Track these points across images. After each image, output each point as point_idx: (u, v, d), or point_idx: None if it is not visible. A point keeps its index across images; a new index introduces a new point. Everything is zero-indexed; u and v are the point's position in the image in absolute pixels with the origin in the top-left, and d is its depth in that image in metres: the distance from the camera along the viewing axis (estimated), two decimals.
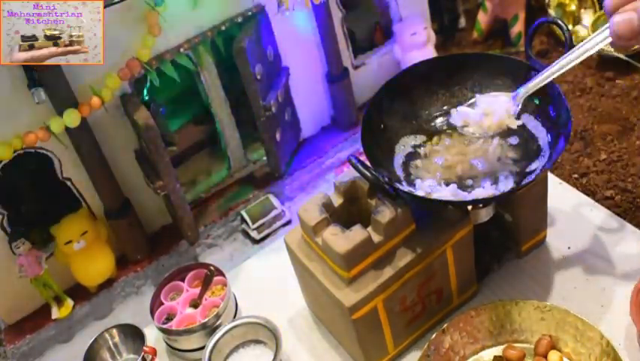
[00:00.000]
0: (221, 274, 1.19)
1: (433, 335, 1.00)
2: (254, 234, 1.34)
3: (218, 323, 1.13)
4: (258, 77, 1.29)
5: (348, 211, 1.03)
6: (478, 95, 1.03)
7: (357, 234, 0.95)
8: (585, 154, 1.35)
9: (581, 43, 0.89)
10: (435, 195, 0.99)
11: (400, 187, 0.98)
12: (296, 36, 1.38)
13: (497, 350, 1.04)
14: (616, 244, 1.14)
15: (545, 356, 1.00)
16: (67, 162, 1.21)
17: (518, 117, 1.06)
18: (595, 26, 1.54)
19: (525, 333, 1.04)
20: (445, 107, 1.11)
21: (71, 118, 1.11)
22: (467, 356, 1.03)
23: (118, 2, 1.09)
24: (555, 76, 0.94)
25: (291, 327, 1.16)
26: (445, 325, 1.01)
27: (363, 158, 0.99)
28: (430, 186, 1.01)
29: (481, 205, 1.02)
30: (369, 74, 1.52)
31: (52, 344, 1.26)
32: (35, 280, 1.23)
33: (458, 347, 1.02)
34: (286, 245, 1.07)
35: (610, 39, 0.83)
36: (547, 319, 1.02)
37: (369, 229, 0.97)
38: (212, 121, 1.37)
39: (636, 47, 1.42)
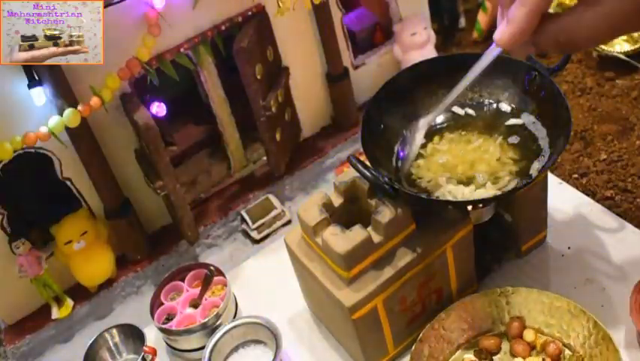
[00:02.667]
0: (221, 274, 1.19)
1: (413, 347, 1.01)
2: (254, 234, 1.34)
3: (218, 323, 1.13)
4: (258, 77, 1.29)
5: (348, 211, 1.03)
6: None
7: (357, 234, 0.95)
8: (585, 154, 1.35)
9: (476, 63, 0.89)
10: (435, 195, 0.99)
11: (400, 187, 0.98)
12: (296, 36, 1.38)
13: (474, 345, 1.05)
14: (616, 244, 1.14)
15: (521, 337, 1.03)
16: (67, 162, 1.21)
17: (519, 116, 1.06)
18: None
19: (496, 321, 1.05)
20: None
21: (71, 118, 1.11)
22: (447, 357, 1.04)
23: (118, 2, 1.09)
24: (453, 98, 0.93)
25: (291, 327, 1.16)
26: (420, 334, 1.02)
27: (363, 158, 0.99)
28: (430, 186, 1.01)
29: (481, 205, 1.02)
30: (369, 74, 1.52)
31: (52, 344, 1.26)
32: (35, 280, 1.23)
33: (437, 353, 1.03)
34: (286, 245, 1.07)
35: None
36: (512, 301, 1.04)
37: (369, 228, 0.97)
38: (212, 121, 1.37)
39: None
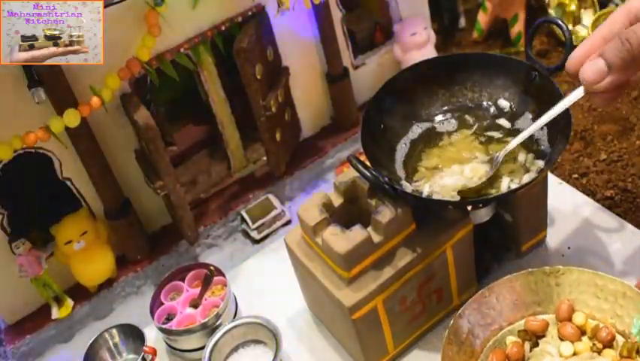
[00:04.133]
0: (221, 274, 1.19)
1: (451, 322, 0.97)
2: (254, 234, 1.34)
3: (218, 323, 1.13)
4: (258, 77, 1.29)
5: (348, 211, 1.03)
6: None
7: (357, 234, 0.95)
8: (585, 154, 1.35)
9: (559, 103, 0.90)
10: (435, 196, 0.99)
11: (401, 188, 0.98)
12: (296, 36, 1.38)
13: (518, 326, 1.01)
14: (616, 244, 1.14)
15: (570, 320, 0.98)
16: (67, 162, 1.21)
17: (518, 118, 1.06)
18: (595, 27, 1.54)
19: (542, 303, 1.01)
20: (445, 107, 1.11)
21: (71, 118, 1.11)
22: (488, 337, 1.00)
23: (118, 2, 1.09)
24: (531, 132, 0.95)
25: (291, 327, 1.16)
26: (460, 310, 0.98)
27: (363, 158, 0.99)
28: (430, 186, 1.01)
29: (481, 205, 1.02)
30: (369, 74, 1.52)
31: (52, 344, 1.26)
32: (35, 280, 1.23)
33: (477, 330, 0.99)
34: (286, 245, 1.07)
35: (583, 92, 0.84)
36: (563, 283, 0.99)
37: (369, 229, 0.97)
38: (212, 121, 1.37)
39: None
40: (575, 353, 0.95)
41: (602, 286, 0.97)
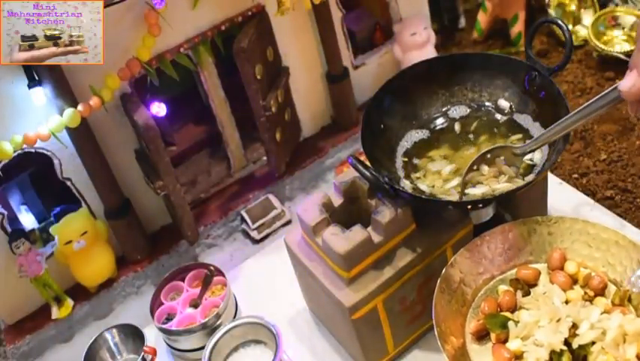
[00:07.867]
0: (221, 274, 1.19)
1: (443, 271, 0.95)
2: (254, 234, 1.34)
3: (218, 323, 1.13)
4: (258, 77, 1.29)
5: (348, 211, 1.03)
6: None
7: (357, 234, 0.95)
8: (585, 154, 1.35)
9: (587, 103, 0.88)
10: (442, 195, 0.99)
11: (400, 188, 0.98)
12: (296, 36, 1.38)
13: (510, 276, 0.99)
14: None
15: (562, 269, 0.97)
16: (67, 162, 1.21)
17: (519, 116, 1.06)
18: (595, 27, 1.54)
19: (534, 252, 1.00)
20: (444, 107, 1.11)
21: (71, 118, 1.11)
22: (480, 286, 0.99)
23: (118, 2, 1.09)
24: (558, 136, 0.93)
25: (291, 327, 1.16)
26: (452, 259, 0.97)
27: (363, 158, 0.99)
28: (430, 187, 1.01)
29: (481, 205, 1.02)
30: (369, 74, 1.52)
31: (52, 344, 1.26)
32: (35, 280, 1.23)
33: (469, 279, 0.98)
34: (286, 245, 1.07)
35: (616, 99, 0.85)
36: (555, 232, 0.99)
37: (369, 229, 0.97)
38: (212, 121, 1.37)
39: None
40: (566, 302, 0.94)
41: (594, 234, 0.97)
